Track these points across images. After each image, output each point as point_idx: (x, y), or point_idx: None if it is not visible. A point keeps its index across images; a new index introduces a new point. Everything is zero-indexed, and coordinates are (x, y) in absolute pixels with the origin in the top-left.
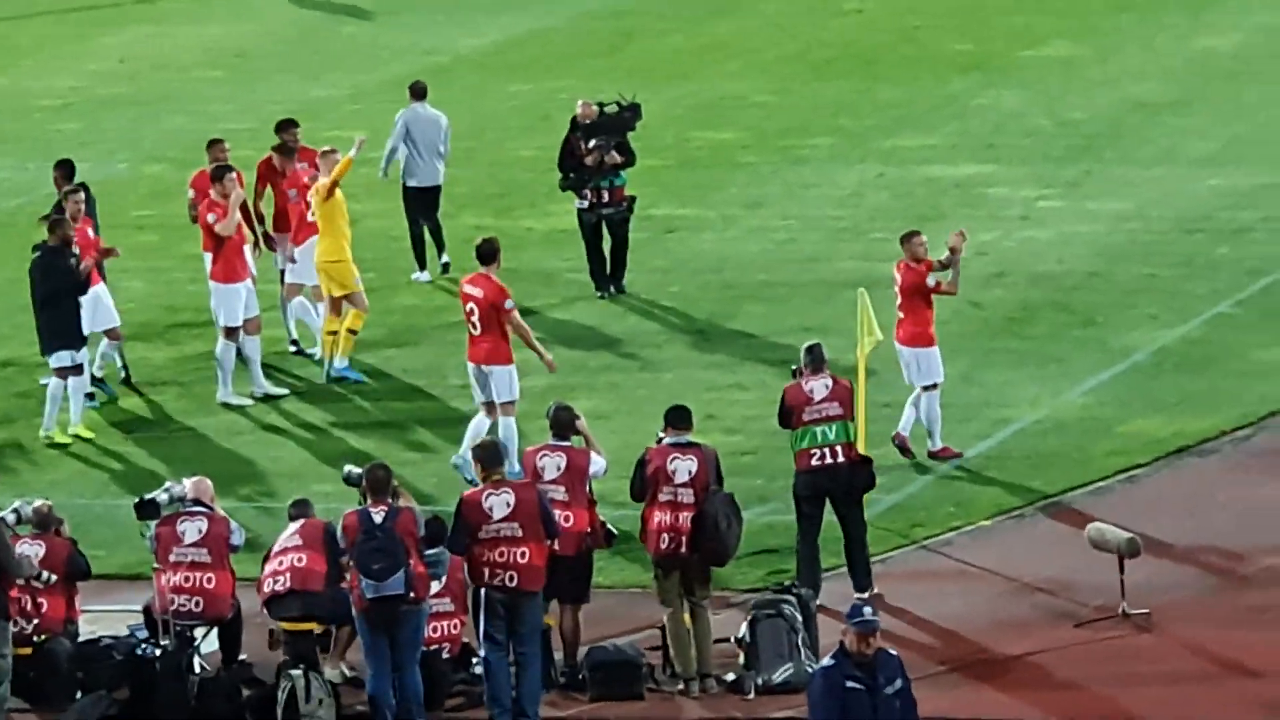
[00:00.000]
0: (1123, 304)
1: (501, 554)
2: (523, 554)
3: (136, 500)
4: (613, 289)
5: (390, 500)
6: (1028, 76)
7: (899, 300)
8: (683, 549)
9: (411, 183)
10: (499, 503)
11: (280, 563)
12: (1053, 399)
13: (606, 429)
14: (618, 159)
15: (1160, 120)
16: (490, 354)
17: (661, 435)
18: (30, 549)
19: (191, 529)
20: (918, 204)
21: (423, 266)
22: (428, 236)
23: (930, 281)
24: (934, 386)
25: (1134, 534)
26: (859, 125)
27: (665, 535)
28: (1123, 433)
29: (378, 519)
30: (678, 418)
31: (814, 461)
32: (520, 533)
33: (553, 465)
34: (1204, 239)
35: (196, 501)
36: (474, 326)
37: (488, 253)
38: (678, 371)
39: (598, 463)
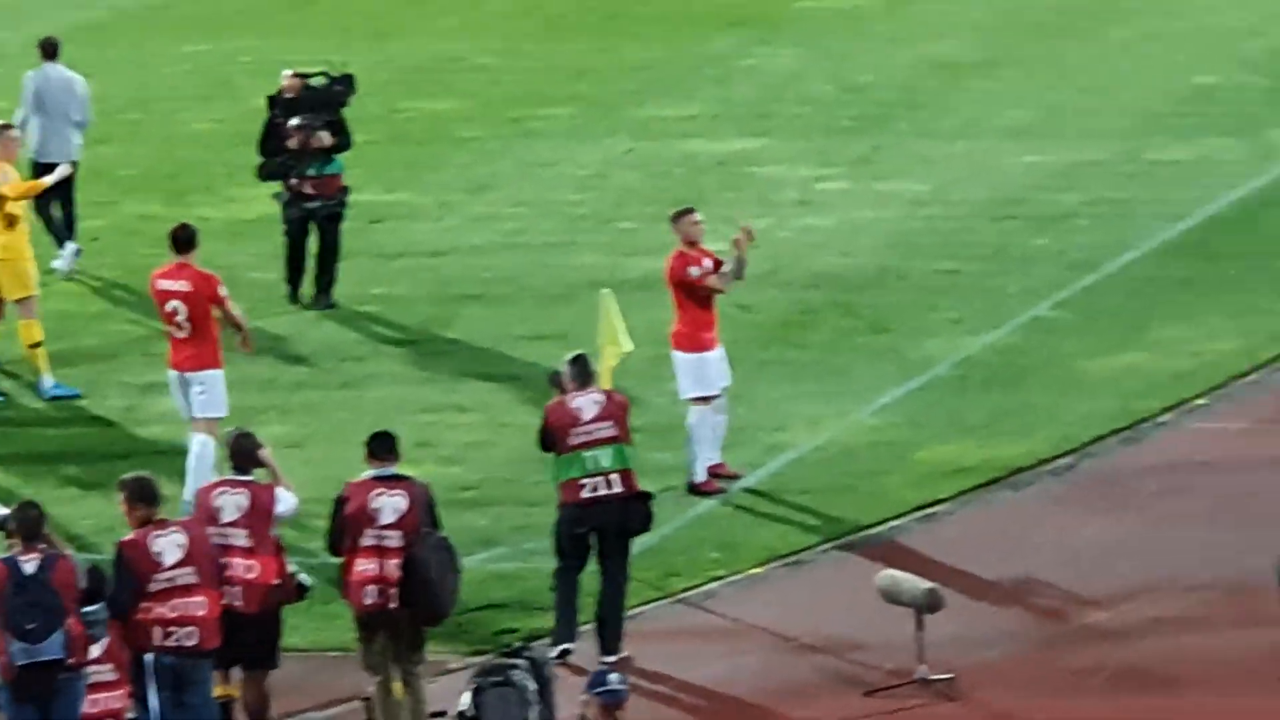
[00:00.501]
0: (920, 306)
1: (175, 608)
2: (200, 605)
3: None
4: (319, 303)
5: (44, 546)
6: (806, 32)
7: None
8: (391, 604)
9: (44, 159)
10: (169, 545)
11: None
12: (837, 420)
13: (299, 459)
14: (326, 141)
15: (964, 85)
16: (199, 358)
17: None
18: None
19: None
20: (674, 186)
21: (62, 243)
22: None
23: (693, 273)
24: (704, 400)
25: (934, 584)
26: (603, 92)
27: (370, 587)
28: (921, 461)
29: (29, 569)
30: (381, 446)
31: (584, 494)
32: (196, 579)
33: (232, 505)
34: (1017, 227)
35: None
36: (178, 328)
37: (185, 239)
38: (385, 390)
39: (286, 501)
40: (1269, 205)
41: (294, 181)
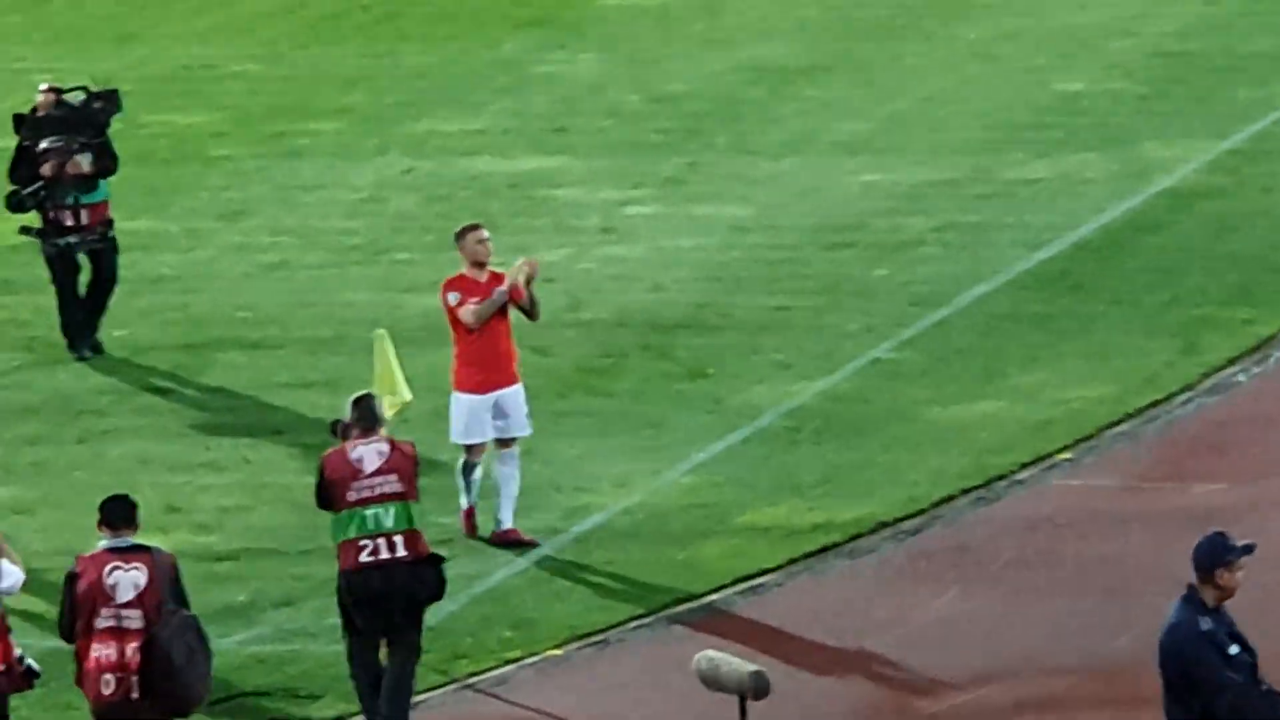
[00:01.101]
0: (743, 347)
1: None
2: None
3: None
4: (77, 347)
5: None
6: (609, 33)
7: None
8: (133, 693)
9: None
10: None
11: None
12: (648, 479)
13: (29, 527)
14: (85, 166)
15: (792, 92)
16: None
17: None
18: None
19: None
20: (458, 210)
21: None
22: None
23: (450, 300)
24: (471, 449)
25: (759, 667)
26: (377, 104)
27: (108, 676)
28: (744, 525)
29: None
30: (116, 513)
31: (364, 556)
32: None
33: None
34: (854, 256)
35: None
36: None
37: None
38: (128, 446)
39: (10, 575)
40: (1141, 230)
41: (51, 214)
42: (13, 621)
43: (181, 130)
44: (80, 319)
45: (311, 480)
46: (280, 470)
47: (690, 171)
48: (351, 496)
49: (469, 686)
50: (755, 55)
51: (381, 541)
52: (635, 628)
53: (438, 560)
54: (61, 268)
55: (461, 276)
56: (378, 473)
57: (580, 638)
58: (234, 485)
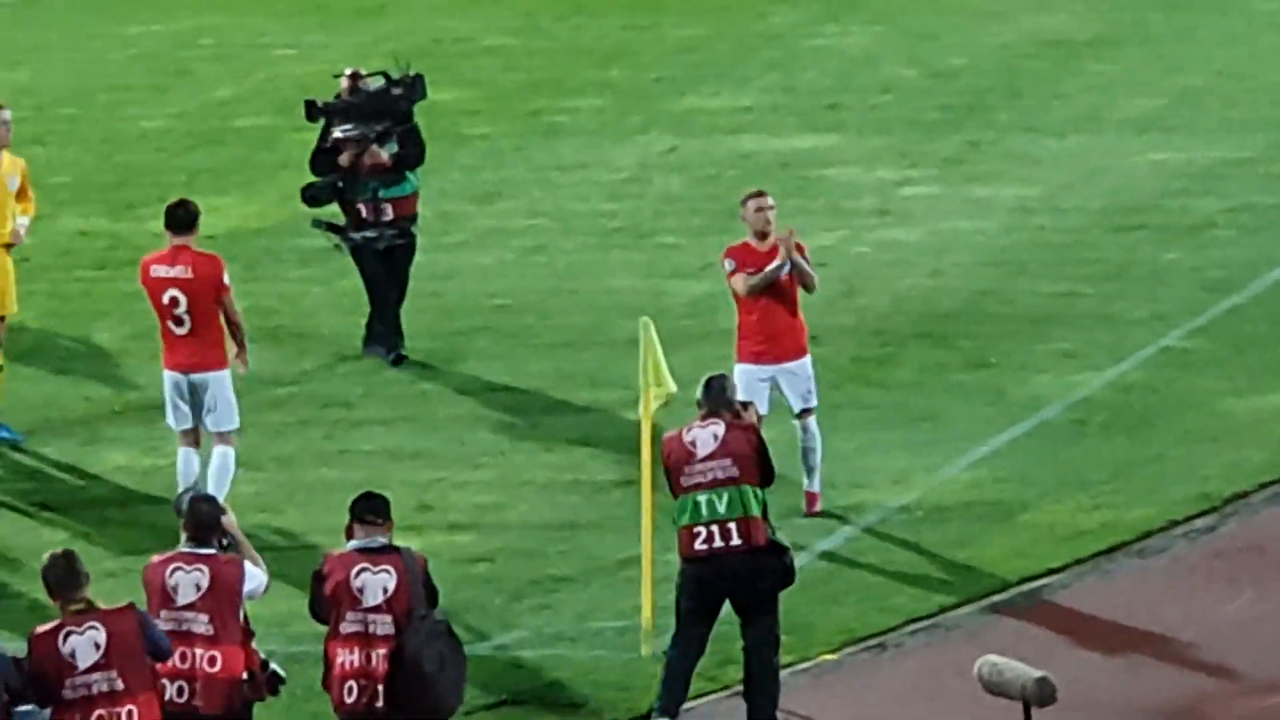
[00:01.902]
0: (1025, 336)
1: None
2: (129, 716)
3: None
4: (374, 350)
5: None
6: (883, 5)
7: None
8: (379, 702)
9: None
10: (83, 644)
11: None
12: (926, 475)
13: (274, 526)
14: (383, 157)
15: (1077, 66)
16: (204, 357)
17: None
18: None
19: None
20: (725, 191)
21: None
22: None
23: (726, 267)
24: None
25: (1045, 672)
26: (638, 79)
27: (353, 683)
28: (1028, 523)
29: None
30: (367, 510)
31: (698, 545)
32: (120, 684)
33: (189, 584)
34: (1143, 239)
35: None
36: (177, 322)
37: (186, 218)
38: (377, 440)
39: (255, 577)
40: None
41: (357, 207)
42: (257, 626)
43: (433, 108)
44: (382, 317)
45: (573, 477)
46: (538, 466)
47: (970, 150)
48: (685, 481)
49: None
50: (1038, 27)
51: (715, 529)
52: (913, 631)
53: (779, 550)
54: (361, 263)
55: (744, 245)
56: (710, 457)
57: (856, 642)
58: (490, 482)
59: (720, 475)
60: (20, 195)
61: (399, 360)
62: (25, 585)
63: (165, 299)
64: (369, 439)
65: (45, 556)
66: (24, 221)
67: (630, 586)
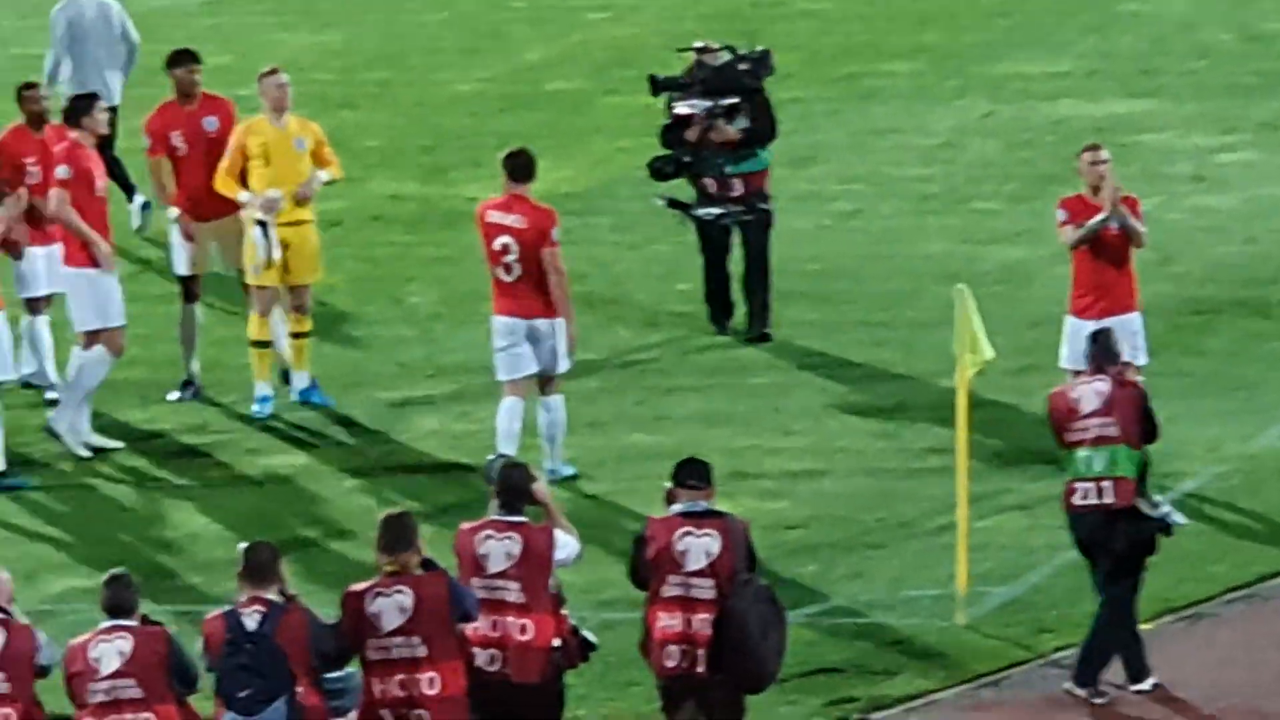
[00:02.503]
0: None
1: (402, 685)
2: (430, 683)
3: None
4: (750, 330)
5: (274, 597)
6: None
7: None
8: (699, 667)
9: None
10: (389, 607)
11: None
12: (1241, 444)
13: (587, 492)
14: (730, 132)
15: None
16: (542, 304)
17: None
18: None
19: None
20: (1041, 156)
21: (130, 194)
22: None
23: (1058, 216)
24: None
25: None
26: (954, 43)
27: (674, 647)
28: None
29: (251, 624)
30: (690, 475)
31: (1075, 499)
32: (423, 650)
33: (500, 552)
34: None
35: None
36: (506, 270)
37: (523, 167)
38: (690, 406)
39: (566, 545)
40: None
41: (704, 182)
42: (568, 593)
43: None
44: (724, 294)
45: (887, 444)
46: (853, 433)
47: None
48: (1069, 437)
49: (1052, 663)
50: None
51: (1090, 486)
52: (1230, 600)
53: (1138, 515)
54: (705, 239)
55: (1078, 196)
56: (1093, 414)
57: (1171, 611)
58: (804, 449)
59: (1102, 433)
60: (317, 159)
61: (762, 339)
62: (336, 545)
63: (497, 245)
64: (682, 404)
65: (381, 514)
66: (321, 176)
67: (945, 554)
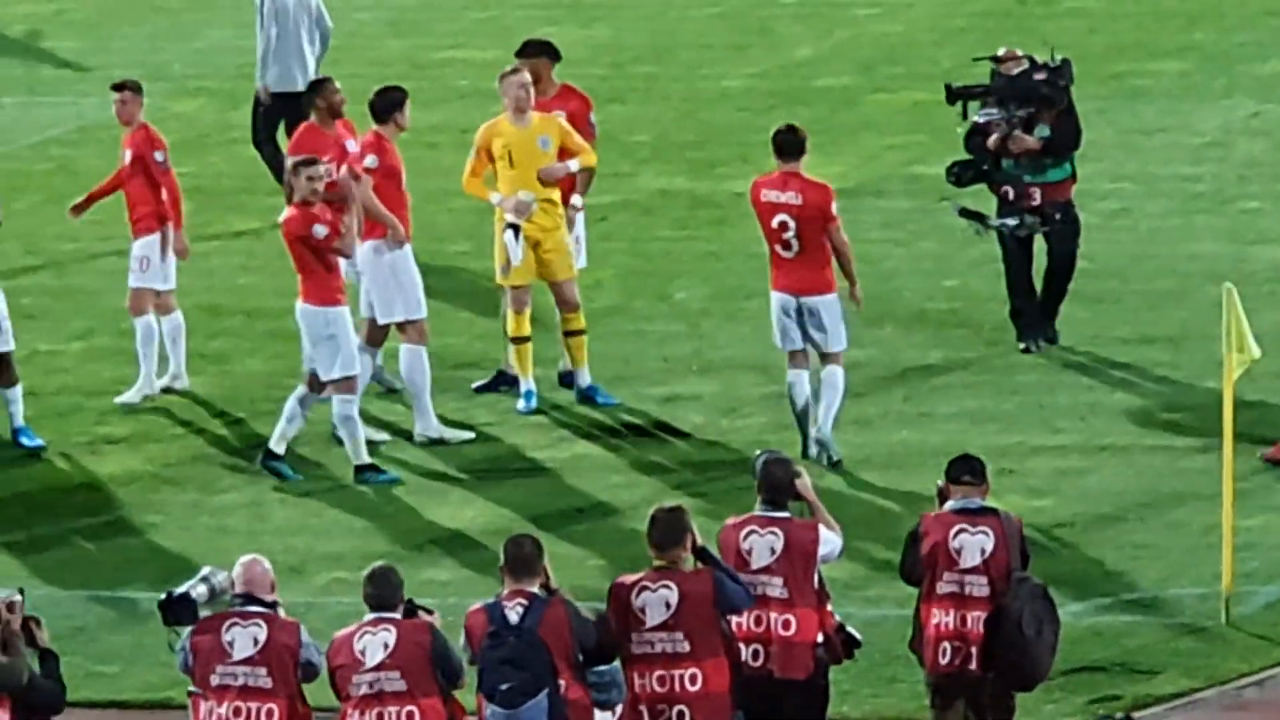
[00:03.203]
0: None
1: (662, 680)
2: (692, 679)
3: (163, 596)
4: (1039, 340)
5: (537, 590)
6: None
7: None
8: (973, 664)
9: (281, 87)
10: (654, 602)
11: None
12: None
13: (854, 486)
14: (1030, 142)
15: None
16: (814, 280)
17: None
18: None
19: (243, 639)
20: None
21: None
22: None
23: None
24: None
25: None
26: (1223, 42)
27: (947, 644)
28: None
29: (514, 616)
30: (965, 470)
31: None
32: (686, 645)
33: (764, 547)
34: None
35: (248, 597)
36: (785, 246)
37: (795, 144)
38: (957, 403)
39: (830, 541)
40: None
41: (1002, 190)
42: (833, 589)
43: None
44: (1030, 307)
45: (1154, 442)
46: (1120, 431)
47: None
48: None
49: None
50: None
51: None
52: None
53: None
54: (1015, 251)
55: None
56: None
57: None
58: (1070, 446)
59: None
60: (566, 152)
61: (1050, 340)
62: (601, 540)
63: (774, 223)
64: (949, 401)
65: (653, 509)
66: (571, 165)
67: (1211, 554)
